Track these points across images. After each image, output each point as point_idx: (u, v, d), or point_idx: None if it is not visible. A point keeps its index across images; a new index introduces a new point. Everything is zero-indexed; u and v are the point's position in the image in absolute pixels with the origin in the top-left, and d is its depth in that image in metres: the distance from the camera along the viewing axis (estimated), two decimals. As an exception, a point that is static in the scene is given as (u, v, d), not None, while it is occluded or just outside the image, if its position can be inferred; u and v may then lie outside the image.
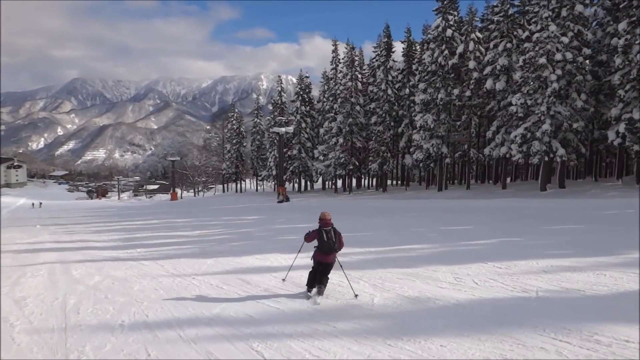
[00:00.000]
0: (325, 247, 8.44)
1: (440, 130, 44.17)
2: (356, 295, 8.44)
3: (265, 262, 12.11)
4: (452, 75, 44.05)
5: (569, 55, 34.68)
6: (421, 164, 46.82)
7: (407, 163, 52.90)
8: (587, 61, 35.51)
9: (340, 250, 8.66)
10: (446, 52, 43.39)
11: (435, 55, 43.93)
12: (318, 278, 8.60)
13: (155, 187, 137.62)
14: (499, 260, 10.50)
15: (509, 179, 50.14)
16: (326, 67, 64.29)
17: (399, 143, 54.67)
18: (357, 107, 57.79)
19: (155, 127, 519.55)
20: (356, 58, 58.42)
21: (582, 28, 35.35)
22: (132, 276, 11.03)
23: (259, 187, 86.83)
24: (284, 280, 9.73)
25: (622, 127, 30.19)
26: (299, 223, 21.54)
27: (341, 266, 9.08)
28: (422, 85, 45.24)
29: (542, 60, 34.52)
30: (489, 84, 40.63)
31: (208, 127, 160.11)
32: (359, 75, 59.35)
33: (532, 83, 35.19)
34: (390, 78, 53.73)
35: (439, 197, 39.39)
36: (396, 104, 53.77)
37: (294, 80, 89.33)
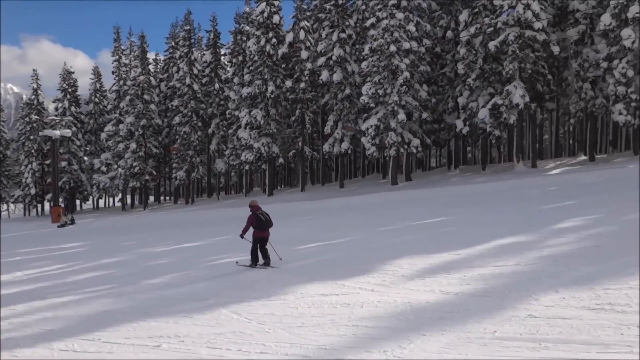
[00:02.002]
0: (266, 224, 11.03)
1: (270, 128, 38.73)
2: (280, 259, 11.36)
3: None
4: (284, 66, 39.19)
5: (414, 45, 33.54)
6: (248, 167, 40.48)
7: (220, 168, 45.80)
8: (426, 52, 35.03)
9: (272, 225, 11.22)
10: (274, 40, 38.29)
11: (262, 43, 38.39)
12: (262, 252, 11.13)
13: None
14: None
15: (357, 175, 47.74)
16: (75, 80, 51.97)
17: (209, 145, 47.02)
18: (152, 106, 47.88)
19: None
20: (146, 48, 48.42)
21: (420, 19, 34.76)
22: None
23: (9, 212, 65.81)
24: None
25: (482, 114, 29.87)
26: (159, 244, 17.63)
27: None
28: (247, 77, 39.10)
29: (393, 47, 32.51)
30: (324, 75, 37.07)
31: None
32: (152, 69, 49.47)
33: (382, 72, 32.84)
34: (195, 72, 45.78)
35: (266, 203, 33.76)
36: (204, 101, 46.10)
37: (15, 90, 71.06)
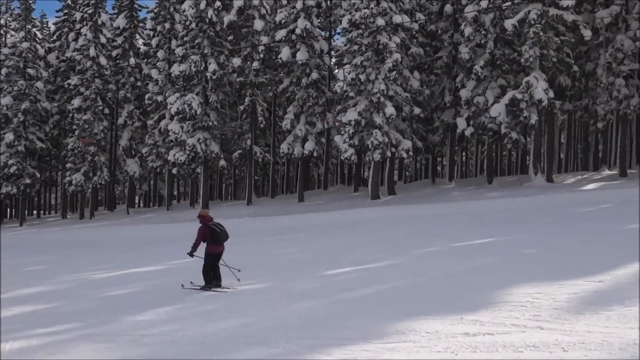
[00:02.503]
0: (222, 237, 10.86)
1: (209, 119, 33.67)
2: (238, 280, 11.34)
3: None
4: (230, 38, 34.23)
5: (406, 19, 30.12)
6: (177, 170, 35.05)
7: (132, 172, 39.82)
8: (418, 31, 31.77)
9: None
10: (218, 3, 33.27)
11: (202, 7, 33.23)
12: (216, 272, 10.99)
13: None
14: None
15: (312, 187, 43.00)
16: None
17: (117, 142, 40.81)
18: (39, 85, 40.98)
19: None
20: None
21: (413, -12, 31.43)
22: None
23: None
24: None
25: (496, 111, 26.89)
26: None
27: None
28: (180, 51, 33.74)
29: (381, 21, 28.84)
30: (284, 54, 32.66)
31: None
32: (39, 35, 42.40)
33: (365, 52, 29.06)
34: (102, 41, 39.46)
35: (186, 220, 29.27)
36: (112, 81, 39.95)
37: None
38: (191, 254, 10.84)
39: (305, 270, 13.12)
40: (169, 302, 10.38)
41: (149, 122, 38.24)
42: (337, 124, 31.42)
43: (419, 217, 23.22)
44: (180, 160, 33.39)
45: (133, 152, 40.96)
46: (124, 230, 31.43)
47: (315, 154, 33.17)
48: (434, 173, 35.15)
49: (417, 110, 30.54)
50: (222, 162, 34.21)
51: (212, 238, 10.76)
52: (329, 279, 11.83)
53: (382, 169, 32.73)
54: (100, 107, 39.07)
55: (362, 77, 29.24)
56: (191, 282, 11.35)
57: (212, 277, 10.89)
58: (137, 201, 49.31)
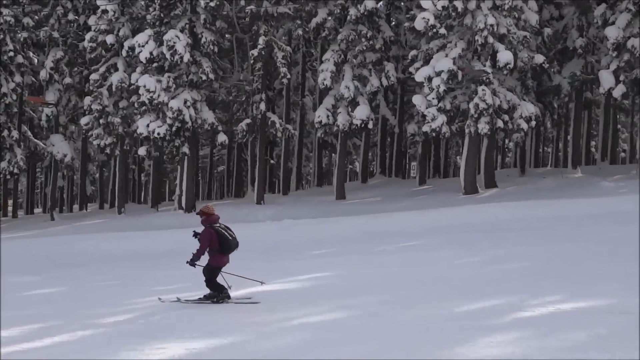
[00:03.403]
0: (233, 244, 10.60)
1: (203, 71, 28.46)
2: (229, 286, 10.95)
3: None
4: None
5: None
6: (145, 150, 30.10)
7: (60, 154, 34.41)
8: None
9: None
10: None
11: None
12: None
13: None
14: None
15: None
16: None
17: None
18: None
19: None
20: None
21: None
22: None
23: None
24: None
25: None
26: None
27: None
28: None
29: None
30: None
31: None
32: None
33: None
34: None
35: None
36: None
37: None
38: (193, 263, 10.73)
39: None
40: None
41: (92, 77, 31.76)
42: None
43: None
44: (159, 134, 27.26)
45: (61, 126, 34.57)
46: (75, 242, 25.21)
47: (370, 125, 27.91)
48: (555, 156, 30.63)
49: (539, 59, 25.85)
50: (223, 137, 28.43)
51: (221, 246, 10.55)
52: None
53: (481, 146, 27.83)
54: (11, 54, 32.29)
55: (459, 4, 24.73)
56: (177, 298, 11.28)
57: (220, 285, 10.87)
58: (82, 200, 42.37)
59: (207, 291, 10.90)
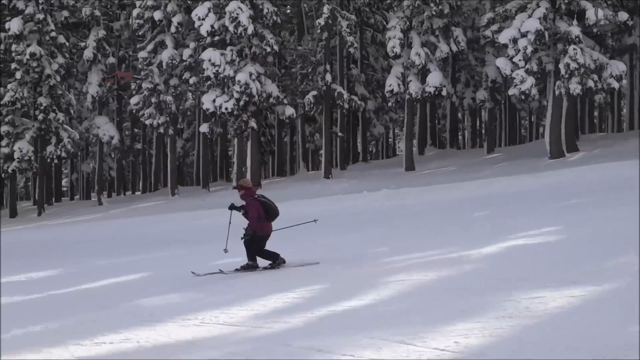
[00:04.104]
0: (277, 211, 11.07)
1: (266, 43, 27.20)
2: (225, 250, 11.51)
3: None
4: None
5: None
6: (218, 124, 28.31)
7: (107, 136, 33.19)
8: None
9: None
10: None
11: None
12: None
13: None
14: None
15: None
16: None
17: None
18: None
19: None
20: None
21: None
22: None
23: None
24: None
25: None
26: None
27: None
28: None
29: None
30: None
31: None
32: None
33: None
34: None
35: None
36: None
37: None
38: (248, 237, 10.85)
39: None
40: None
41: (141, 55, 30.43)
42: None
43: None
44: (226, 109, 26.10)
45: (105, 107, 33.21)
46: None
47: (444, 92, 26.90)
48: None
49: (622, 16, 24.89)
50: (290, 110, 27.36)
51: (267, 214, 10.93)
52: None
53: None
54: (53, 34, 30.86)
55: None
56: (220, 270, 11.13)
57: (272, 252, 10.97)
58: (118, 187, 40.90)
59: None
